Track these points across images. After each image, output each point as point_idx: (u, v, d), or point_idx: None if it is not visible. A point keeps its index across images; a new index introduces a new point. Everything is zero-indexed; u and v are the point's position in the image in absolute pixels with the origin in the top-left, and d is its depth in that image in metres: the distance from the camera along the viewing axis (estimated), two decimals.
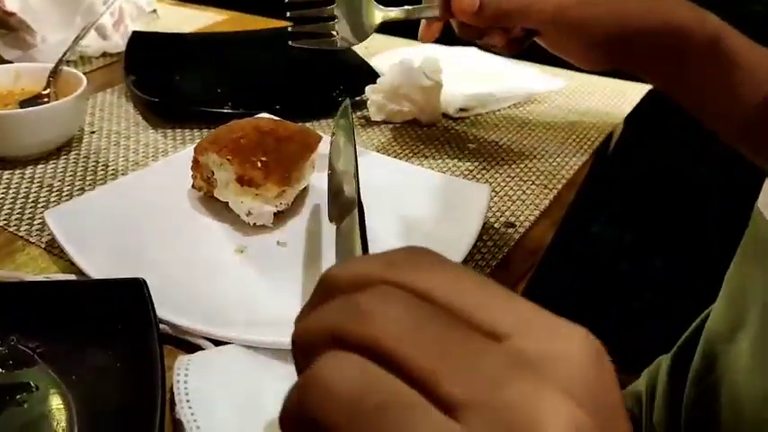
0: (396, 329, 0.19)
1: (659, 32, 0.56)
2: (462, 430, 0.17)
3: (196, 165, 0.61)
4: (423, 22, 0.55)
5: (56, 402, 0.42)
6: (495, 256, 0.61)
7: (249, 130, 0.61)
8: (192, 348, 0.47)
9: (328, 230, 0.60)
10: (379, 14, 0.54)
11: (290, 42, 0.53)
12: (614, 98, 0.94)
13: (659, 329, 0.67)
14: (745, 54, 0.57)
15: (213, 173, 0.60)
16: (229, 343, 0.46)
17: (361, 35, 0.54)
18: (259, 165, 0.57)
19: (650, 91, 0.95)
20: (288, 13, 0.54)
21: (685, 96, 0.62)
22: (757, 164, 0.59)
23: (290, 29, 0.53)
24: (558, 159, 0.78)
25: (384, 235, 0.60)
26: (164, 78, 0.88)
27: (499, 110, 0.88)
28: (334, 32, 0.52)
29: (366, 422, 0.17)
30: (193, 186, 0.62)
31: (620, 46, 0.57)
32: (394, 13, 0.54)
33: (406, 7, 0.54)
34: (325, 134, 0.77)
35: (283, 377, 0.41)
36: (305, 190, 0.64)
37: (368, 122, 0.83)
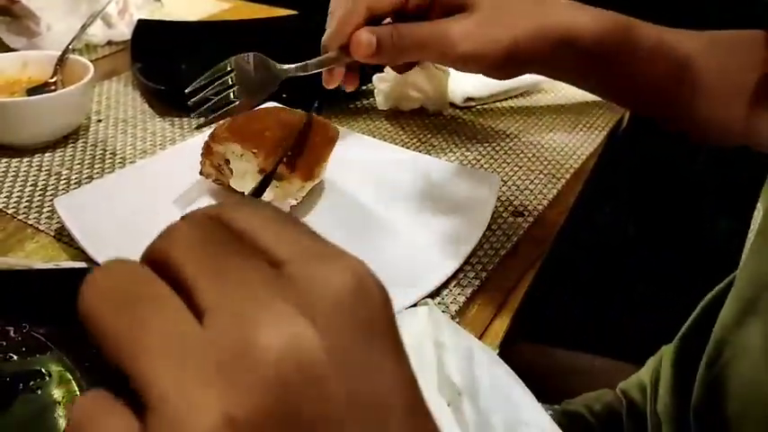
0: (182, 243, 0.21)
1: (566, 45, 0.56)
2: (199, 329, 0.19)
3: (208, 151, 0.61)
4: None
5: (69, 388, 0.42)
6: (504, 245, 0.61)
7: (272, 123, 0.60)
8: None
9: (337, 220, 0.60)
10: (279, 74, 0.53)
11: (191, 115, 0.54)
12: None
13: (664, 320, 0.67)
14: (656, 35, 0.57)
15: (228, 162, 0.59)
16: None
17: (262, 96, 0.54)
18: (285, 160, 0.57)
19: None
20: (189, 102, 0.54)
21: (608, 91, 0.62)
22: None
23: (190, 103, 0.53)
24: (565, 149, 0.78)
25: (391, 224, 0.60)
26: (170, 66, 0.88)
27: (506, 99, 0.88)
28: (236, 101, 0.52)
29: (115, 312, 0.20)
30: (201, 173, 0.62)
31: (524, 64, 0.57)
32: (292, 71, 0.53)
33: (303, 63, 0.53)
34: (334, 124, 0.77)
35: None
36: None
37: (375, 111, 0.83)
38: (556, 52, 0.55)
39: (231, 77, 0.53)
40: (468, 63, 0.54)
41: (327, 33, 0.53)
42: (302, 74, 0.53)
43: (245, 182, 0.59)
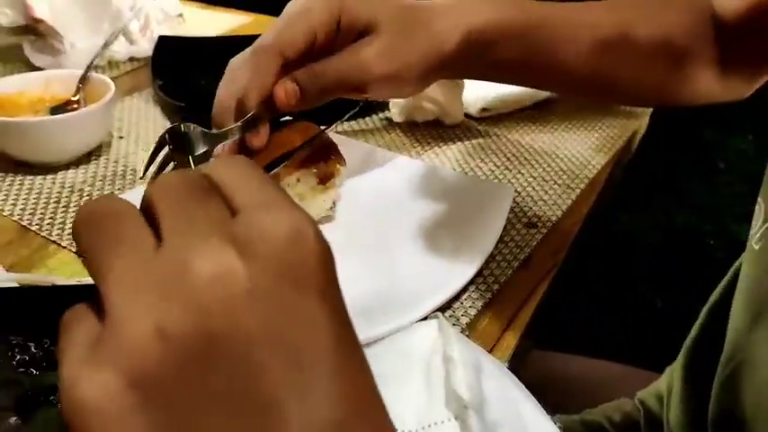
0: (163, 188, 0.25)
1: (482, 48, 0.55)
2: (153, 255, 0.23)
3: None
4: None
5: None
6: (518, 256, 0.61)
7: (297, 139, 0.60)
8: None
9: (350, 232, 0.61)
10: (212, 141, 0.54)
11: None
12: None
13: (683, 329, 0.67)
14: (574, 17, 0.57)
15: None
16: None
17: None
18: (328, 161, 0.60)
19: None
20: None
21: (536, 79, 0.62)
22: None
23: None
24: (580, 158, 0.78)
25: (405, 236, 0.61)
26: (190, 82, 0.90)
27: (521, 110, 0.88)
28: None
29: (94, 235, 0.24)
30: None
31: (442, 69, 0.56)
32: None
33: (225, 129, 0.53)
34: (348, 137, 0.78)
35: None
36: None
37: (390, 123, 0.83)
38: (468, 53, 0.55)
39: (169, 147, 0.54)
40: (389, 81, 0.54)
41: (242, 92, 0.53)
42: (231, 138, 0.54)
43: (308, 198, 0.60)
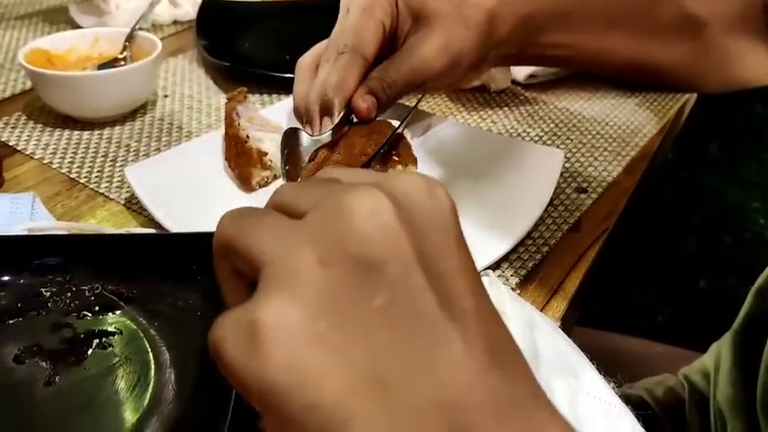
0: (283, 190, 0.28)
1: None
2: (298, 221, 0.24)
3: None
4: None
5: (139, 345, 0.43)
6: (567, 220, 0.60)
7: (374, 139, 0.59)
8: None
9: None
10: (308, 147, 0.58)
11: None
12: None
13: (726, 307, 0.65)
14: None
15: None
16: None
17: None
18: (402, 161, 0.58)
19: None
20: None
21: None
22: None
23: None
24: (630, 127, 0.76)
25: (457, 196, 0.59)
26: (234, 44, 0.89)
27: (568, 77, 0.86)
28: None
29: (237, 225, 0.26)
30: None
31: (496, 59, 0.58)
32: (323, 139, 0.56)
33: (319, 135, 0.56)
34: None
35: None
36: None
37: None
38: (518, 39, 0.56)
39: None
40: (447, 74, 0.55)
41: (326, 94, 0.54)
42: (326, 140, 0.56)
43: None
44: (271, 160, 0.61)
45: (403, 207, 0.24)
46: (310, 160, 0.56)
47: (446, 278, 0.24)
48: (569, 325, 0.54)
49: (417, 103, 0.66)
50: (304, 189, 0.26)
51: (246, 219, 0.26)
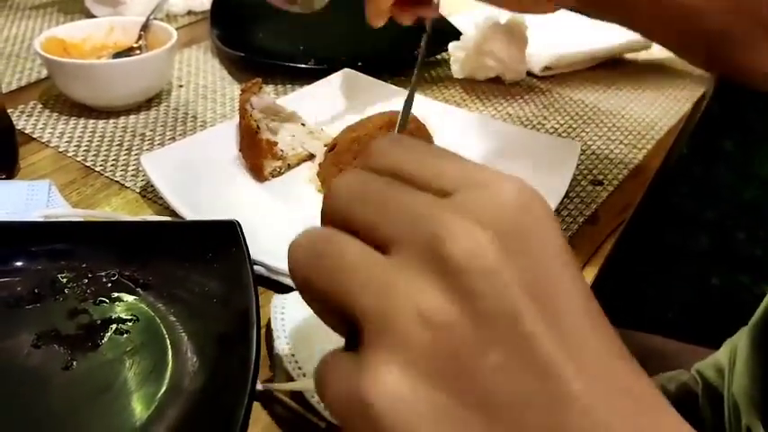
0: (344, 199, 0.24)
1: None
2: (386, 258, 0.22)
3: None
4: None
5: (156, 331, 0.43)
6: (583, 212, 0.59)
7: (384, 130, 0.59)
8: (284, 290, 0.48)
9: None
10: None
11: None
12: None
13: (738, 305, 0.65)
14: None
15: None
16: None
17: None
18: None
19: None
20: None
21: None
22: None
23: None
24: (646, 120, 0.75)
25: None
26: (248, 35, 0.89)
27: (584, 69, 0.85)
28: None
29: (316, 257, 0.23)
30: None
31: None
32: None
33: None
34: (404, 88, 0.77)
35: None
36: None
37: (449, 80, 0.82)
38: None
39: None
40: None
41: None
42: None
43: None
44: (282, 150, 0.61)
45: (499, 235, 0.21)
46: (330, 149, 0.55)
47: (557, 314, 0.22)
48: None
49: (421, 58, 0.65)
50: (379, 207, 0.23)
51: (326, 259, 0.23)
